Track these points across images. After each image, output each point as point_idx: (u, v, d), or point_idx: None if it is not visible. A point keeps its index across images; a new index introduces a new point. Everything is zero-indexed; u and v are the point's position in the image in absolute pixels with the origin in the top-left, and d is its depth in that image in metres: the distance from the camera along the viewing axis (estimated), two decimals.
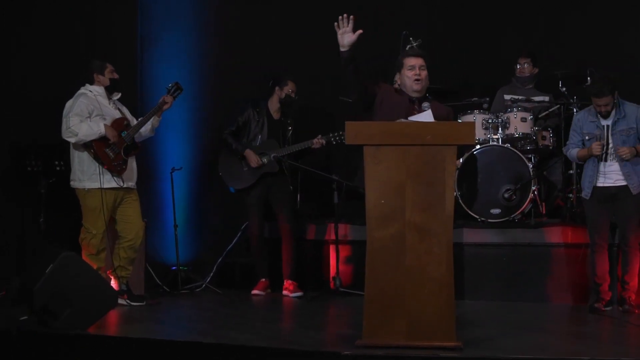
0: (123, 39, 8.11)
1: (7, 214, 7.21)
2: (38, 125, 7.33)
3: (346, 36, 5.35)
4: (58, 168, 7.03)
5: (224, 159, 7.54)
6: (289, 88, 7.49)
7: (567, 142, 6.68)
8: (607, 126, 6.34)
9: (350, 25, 5.32)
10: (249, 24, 8.49)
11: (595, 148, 6.31)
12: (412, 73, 5.47)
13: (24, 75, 7.39)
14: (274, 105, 7.54)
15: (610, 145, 6.32)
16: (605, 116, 6.36)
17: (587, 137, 6.44)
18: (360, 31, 5.30)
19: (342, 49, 5.37)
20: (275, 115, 7.54)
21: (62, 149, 6.94)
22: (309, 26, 8.50)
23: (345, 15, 5.29)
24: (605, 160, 6.33)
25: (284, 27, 8.49)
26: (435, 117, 5.30)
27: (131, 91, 6.97)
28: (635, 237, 6.33)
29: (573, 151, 6.54)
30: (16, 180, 7.22)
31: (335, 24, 5.34)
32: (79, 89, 6.60)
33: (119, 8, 8.09)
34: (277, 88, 7.51)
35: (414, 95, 5.47)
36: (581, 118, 6.54)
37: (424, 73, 5.47)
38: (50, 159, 7.03)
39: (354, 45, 5.35)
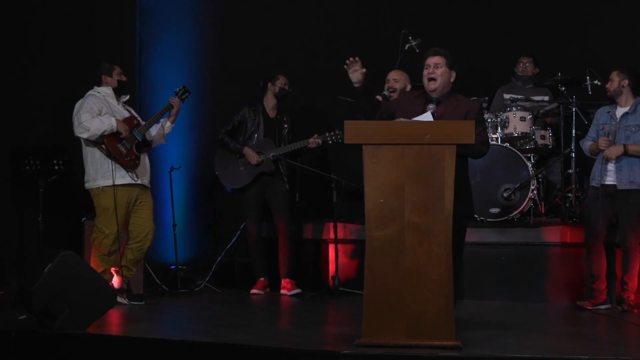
0: (122, 40, 8.12)
1: (6, 214, 7.21)
2: (37, 125, 7.34)
3: (355, 74, 5.47)
4: (56, 167, 7.03)
5: (220, 158, 7.55)
6: (280, 82, 7.50)
7: (587, 135, 6.75)
8: (619, 118, 6.41)
9: (359, 63, 5.45)
10: (247, 25, 8.50)
11: (602, 142, 6.37)
12: (426, 72, 5.51)
13: (23, 77, 7.40)
14: (269, 103, 7.55)
15: (616, 137, 6.38)
16: (609, 98, 6.48)
17: (601, 127, 6.49)
18: (364, 70, 5.47)
19: (355, 85, 5.48)
20: (271, 114, 7.55)
21: (61, 149, 6.95)
22: (306, 27, 8.52)
23: (351, 58, 5.45)
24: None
25: (282, 27, 8.50)
26: (450, 115, 5.35)
27: (130, 92, 6.97)
28: (635, 237, 6.34)
29: (587, 144, 6.61)
30: (15, 180, 7.22)
31: (345, 65, 5.47)
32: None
33: (118, 10, 8.10)
34: (269, 84, 7.53)
35: (433, 95, 5.48)
36: (600, 111, 6.66)
37: (440, 71, 5.45)
38: (48, 158, 7.02)
39: (365, 80, 5.48)
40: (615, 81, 6.46)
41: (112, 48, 7.72)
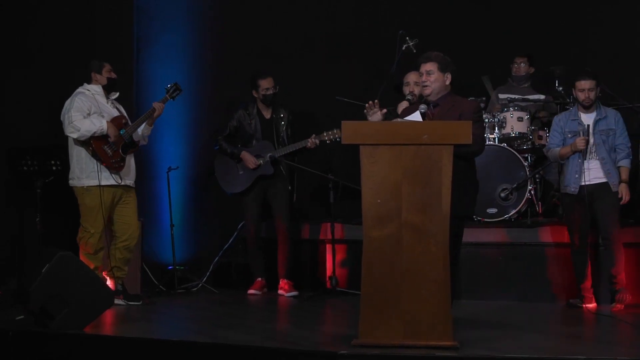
0: (119, 39, 8.11)
1: (4, 214, 7.21)
2: (34, 125, 7.34)
3: (375, 116, 5.51)
4: (54, 168, 7.03)
5: (219, 163, 7.54)
6: (263, 87, 7.45)
7: (547, 143, 6.78)
8: (588, 125, 6.45)
9: (377, 106, 5.49)
10: (245, 25, 8.49)
11: (580, 143, 6.41)
12: (420, 80, 5.66)
13: (20, 76, 7.40)
14: (262, 105, 7.53)
15: (591, 143, 6.45)
16: (588, 106, 6.48)
17: (569, 135, 6.54)
18: (385, 110, 5.52)
19: None
20: (266, 115, 7.53)
21: (59, 149, 6.95)
22: (306, 27, 8.51)
23: (370, 102, 5.48)
24: (585, 159, 6.44)
25: (282, 27, 8.49)
26: (444, 116, 5.41)
27: (127, 92, 6.98)
28: (617, 232, 6.43)
29: (555, 150, 6.63)
30: (13, 181, 7.22)
31: (365, 111, 5.50)
32: (77, 88, 6.61)
33: (115, 9, 8.09)
34: (253, 92, 7.50)
35: (429, 99, 5.55)
36: (562, 118, 6.69)
37: (433, 77, 5.57)
38: (46, 159, 7.03)
39: (384, 118, 5.54)
40: (595, 91, 6.46)
41: (110, 48, 7.71)
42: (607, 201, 6.42)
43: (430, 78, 5.56)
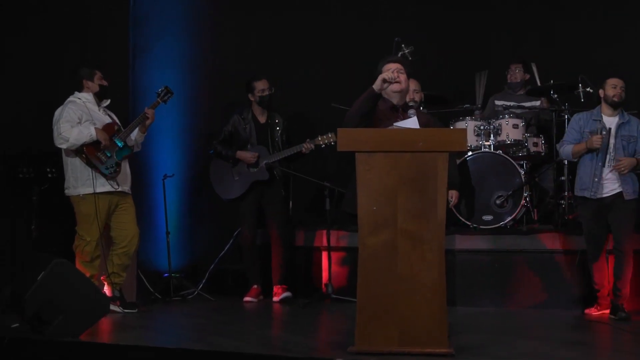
0: (115, 46, 8.12)
1: None
2: (30, 133, 7.33)
3: (386, 85, 5.40)
4: (50, 175, 7.02)
5: (214, 170, 7.54)
6: (258, 89, 7.48)
7: (562, 139, 6.66)
8: (610, 129, 6.35)
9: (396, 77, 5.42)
10: (241, 31, 8.50)
11: (596, 141, 6.29)
12: (393, 75, 5.49)
13: (16, 82, 7.39)
14: (257, 110, 7.55)
15: (612, 146, 6.34)
16: (617, 103, 6.36)
17: (589, 136, 6.39)
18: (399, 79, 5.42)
19: (375, 89, 5.36)
20: (262, 120, 7.55)
21: (55, 157, 6.95)
22: (300, 33, 8.53)
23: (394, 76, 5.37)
24: (603, 165, 6.33)
25: (276, 34, 8.52)
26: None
27: (122, 99, 6.97)
28: (628, 244, 6.34)
29: (568, 147, 6.51)
30: (8, 188, 7.21)
31: (385, 79, 5.35)
32: (70, 94, 6.60)
33: (111, 16, 8.10)
34: (249, 95, 7.51)
35: (395, 99, 5.48)
36: (582, 117, 6.54)
37: (403, 77, 5.49)
38: (42, 166, 7.02)
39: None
40: (623, 90, 6.38)
41: (105, 54, 7.72)
42: (622, 213, 6.32)
43: (402, 77, 5.47)
